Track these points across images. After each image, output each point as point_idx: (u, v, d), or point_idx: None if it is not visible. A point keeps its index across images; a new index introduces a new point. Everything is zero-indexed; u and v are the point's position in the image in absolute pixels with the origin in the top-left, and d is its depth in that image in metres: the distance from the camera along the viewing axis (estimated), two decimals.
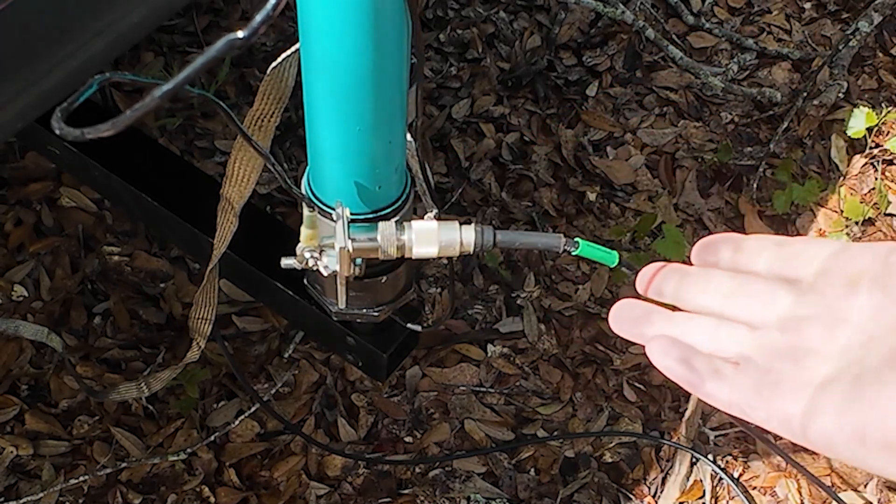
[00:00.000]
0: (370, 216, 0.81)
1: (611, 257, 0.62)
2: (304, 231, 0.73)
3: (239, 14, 1.91)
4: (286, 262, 0.75)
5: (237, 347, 1.56)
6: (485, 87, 1.90)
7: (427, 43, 1.95)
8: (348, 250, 0.64)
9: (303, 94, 0.76)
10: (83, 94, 0.49)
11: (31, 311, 1.56)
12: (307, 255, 0.72)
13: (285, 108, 0.89)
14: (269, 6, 0.40)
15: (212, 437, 1.48)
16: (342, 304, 0.89)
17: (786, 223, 1.77)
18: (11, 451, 1.44)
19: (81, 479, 1.42)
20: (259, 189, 1.69)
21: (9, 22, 0.86)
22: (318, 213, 0.81)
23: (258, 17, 0.39)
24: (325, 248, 0.72)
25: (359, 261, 0.71)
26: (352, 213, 0.76)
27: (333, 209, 0.77)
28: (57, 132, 0.45)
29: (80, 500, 1.42)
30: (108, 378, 1.50)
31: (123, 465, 1.45)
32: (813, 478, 1.48)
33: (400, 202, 0.83)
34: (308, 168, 0.84)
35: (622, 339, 1.67)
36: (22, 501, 1.39)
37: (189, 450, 1.47)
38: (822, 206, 1.79)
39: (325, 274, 0.73)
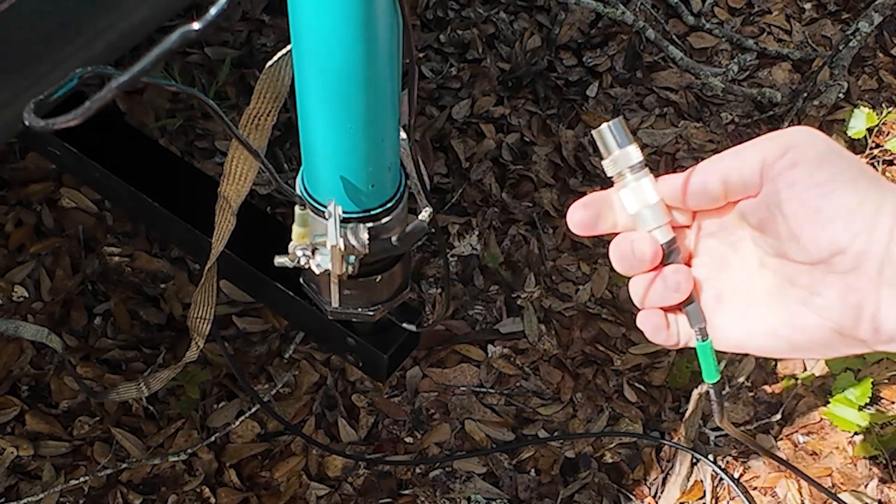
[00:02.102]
0: (362, 215, 0.81)
1: (711, 373, 0.60)
2: (296, 229, 0.73)
3: (239, 14, 1.91)
4: (279, 260, 0.75)
5: (238, 348, 1.56)
6: (485, 88, 1.90)
7: (427, 43, 1.95)
8: (340, 248, 0.64)
9: (295, 92, 0.76)
10: (62, 88, 0.49)
11: (32, 312, 1.56)
12: (299, 253, 0.73)
13: (285, 109, 0.89)
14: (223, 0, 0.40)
15: (212, 438, 1.48)
16: (336, 303, 0.89)
17: None
18: (12, 452, 1.44)
19: (82, 479, 1.42)
20: (259, 189, 1.69)
21: (10, 23, 0.87)
22: (311, 211, 0.81)
23: (213, 11, 0.39)
24: (318, 247, 0.72)
25: (351, 259, 0.71)
26: (344, 212, 0.76)
27: (326, 207, 0.77)
28: (26, 123, 0.45)
29: (81, 501, 1.42)
30: (109, 379, 1.50)
31: (124, 465, 1.45)
32: (812, 481, 1.48)
33: (393, 202, 0.83)
34: (302, 166, 0.85)
35: (623, 339, 1.66)
36: (23, 502, 1.40)
37: (189, 450, 1.47)
38: None
39: (318, 272, 0.73)
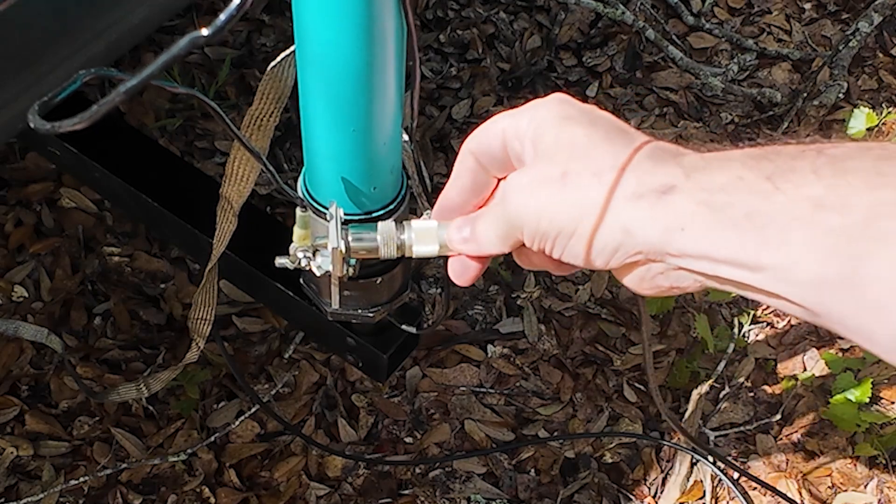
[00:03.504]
0: (364, 217, 0.81)
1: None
2: (297, 231, 0.72)
3: (239, 14, 1.91)
4: (280, 261, 0.75)
5: (237, 348, 1.56)
6: (485, 88, 1.90)
7: (427, 43, 1.95)
8: (341, 250, 0.64)
9: (297, 94, 0.76)
10: (66, 90, 0.49)
11: (32, 312, 1.56)
12: (300, 254, 0.72)
13: (286, 109, 0.89)
14: (233, 5, 0.40)
15: (212, 438, 1.48)
16: (336, 305, 0.89)
17: None
18: (12, 452, 1.44)
19: (82, 479, 1.42)
20: (259, 190, 1.69)
21: (9, 23, 0.87)
22: (313, 212, 0.81)
23: (222, 17, 0.39)
24: (319, 249, 0.72)
25: (352, 261, 0.71)
26: (346, 214, 0.75)
27: (327, 209, 0.77)
28: (31, 125, 0.45)
29: (81, 501, 1.42)
30: (109, 379, 1.50)
31: (124, 465, 1.45)
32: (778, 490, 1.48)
33: (395, 203, 0.83)
34: (304, 168, 0.85)
35: (622, 339, 1.66)
36: (22, 502, 1.40)
37: (189, 450, 1.47)
38: None
39: (318, 274, 0.73)
